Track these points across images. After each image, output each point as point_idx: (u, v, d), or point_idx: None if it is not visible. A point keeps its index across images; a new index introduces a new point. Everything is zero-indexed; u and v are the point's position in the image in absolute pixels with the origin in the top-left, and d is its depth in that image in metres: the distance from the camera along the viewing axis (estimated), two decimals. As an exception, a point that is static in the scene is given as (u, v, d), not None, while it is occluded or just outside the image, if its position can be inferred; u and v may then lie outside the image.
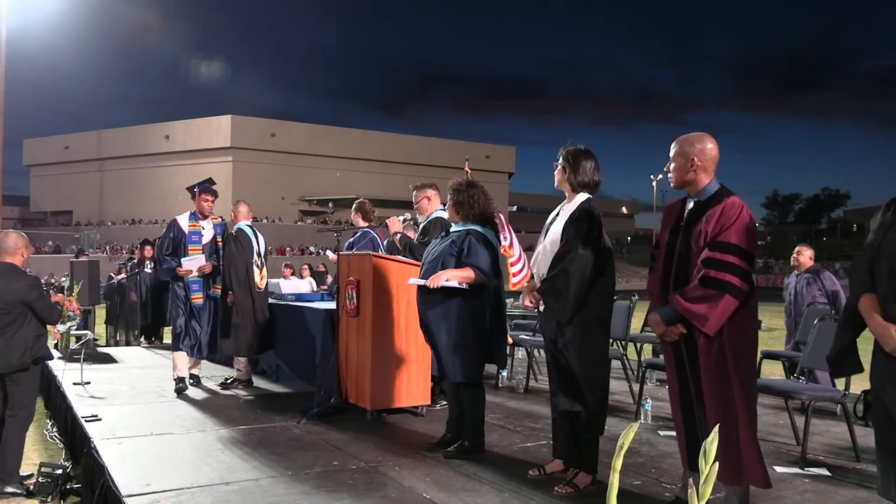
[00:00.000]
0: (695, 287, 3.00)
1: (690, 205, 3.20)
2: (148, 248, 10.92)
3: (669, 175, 3.26)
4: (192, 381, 6.29)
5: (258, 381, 6.57)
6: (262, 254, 6.58)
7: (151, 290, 10.60)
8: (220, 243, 6.46)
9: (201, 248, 6.29)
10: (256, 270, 6.42)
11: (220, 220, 6.66)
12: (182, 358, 6.25)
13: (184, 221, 6.41)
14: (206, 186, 6.46)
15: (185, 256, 6.25)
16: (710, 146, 3.16)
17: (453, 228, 4.31)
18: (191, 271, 6.19)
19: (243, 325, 6.38)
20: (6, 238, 4.44)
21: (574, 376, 3.52)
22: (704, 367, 3.02)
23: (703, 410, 3.06)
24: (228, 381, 6.42)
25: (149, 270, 10.65)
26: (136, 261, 11.21)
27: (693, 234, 3.09)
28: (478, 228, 4.19)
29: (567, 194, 3.71)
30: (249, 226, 6.56)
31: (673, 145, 3.23)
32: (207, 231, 6.41)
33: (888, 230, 2.49)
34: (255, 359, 6.77)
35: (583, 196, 3.66)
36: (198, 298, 6.25)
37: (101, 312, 11.54)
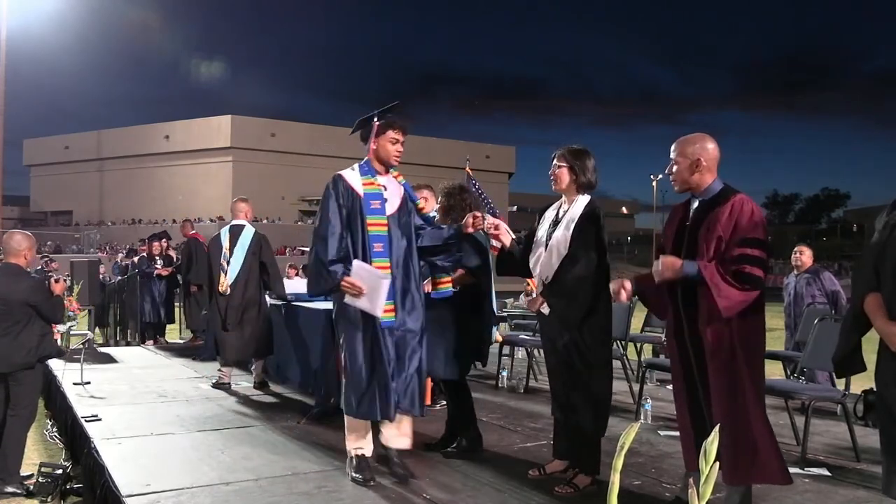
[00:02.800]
0: (732, 276, 2.91)
1: (695, 204, 3.19)
2: (156, 244, 10.82)
3: (672, 178, 3.23)
4: (361, 472, 3.65)
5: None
6: (228, 257, 6.25)
7: (163, 287, 10.48)
8: (424, 210, 4.05)
9: (385, 221, 3.68)
10: (221, 274, 6.26)
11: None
12: (362, 425, 3.73)
13: (354, 179, 3.73)
14: (393, 118, 3.78)
15: (363, 237, 3.63)
16: (711, 146, 3.16)
17: None
18: (360, 292, 3.49)
19: (209, 330, 6.28)
20: (11, 238, 4.44)
21: (581, 378, 3.51)
22: (711, 361, 2.99)
23: (711, 410, 3.03)
24: (216, 383, 6.38)
25: (158, 266, 10.55)
26: (144, 256, 11.06)
27: (700, 233, 3.08)
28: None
29: (568, 195, 3.68)
30: (237, 225, 6.42)
31: (673, 148, 3.21)
32: (392, 192, 3.79)
33: (894, 229, 2.48)
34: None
35: (586, 197, 3.64)
36: (389, 311, 3.59)
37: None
